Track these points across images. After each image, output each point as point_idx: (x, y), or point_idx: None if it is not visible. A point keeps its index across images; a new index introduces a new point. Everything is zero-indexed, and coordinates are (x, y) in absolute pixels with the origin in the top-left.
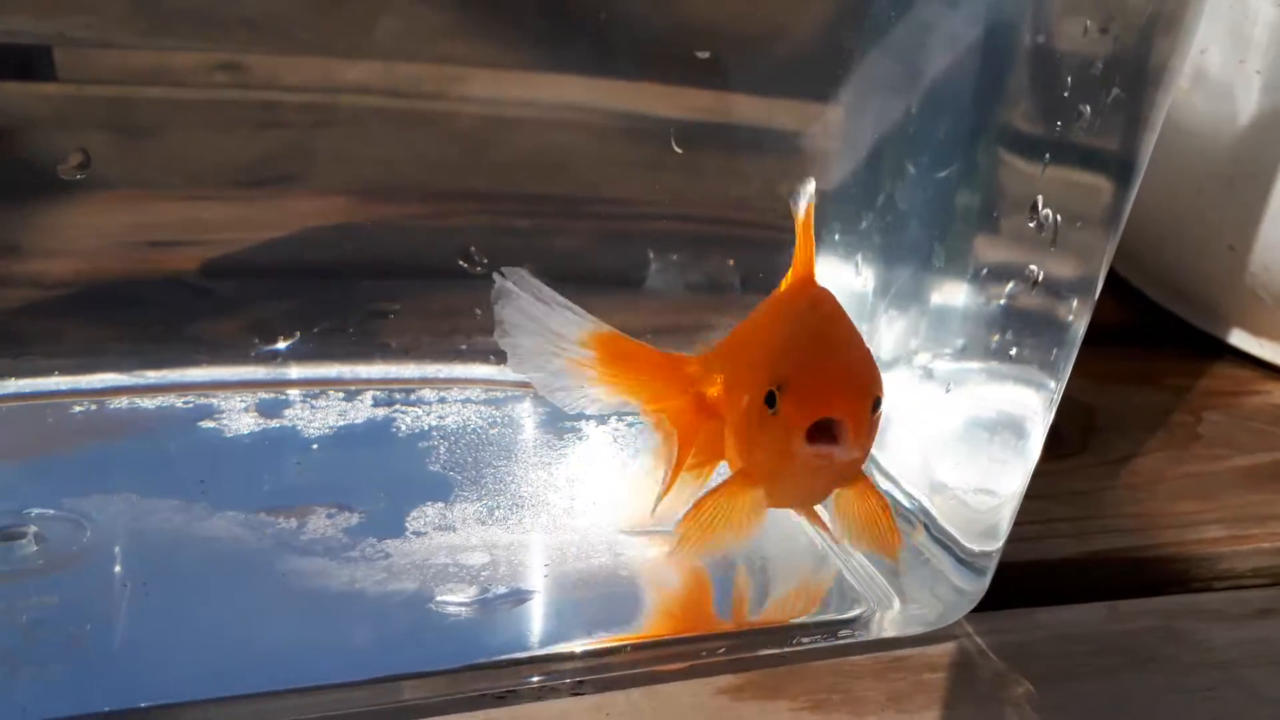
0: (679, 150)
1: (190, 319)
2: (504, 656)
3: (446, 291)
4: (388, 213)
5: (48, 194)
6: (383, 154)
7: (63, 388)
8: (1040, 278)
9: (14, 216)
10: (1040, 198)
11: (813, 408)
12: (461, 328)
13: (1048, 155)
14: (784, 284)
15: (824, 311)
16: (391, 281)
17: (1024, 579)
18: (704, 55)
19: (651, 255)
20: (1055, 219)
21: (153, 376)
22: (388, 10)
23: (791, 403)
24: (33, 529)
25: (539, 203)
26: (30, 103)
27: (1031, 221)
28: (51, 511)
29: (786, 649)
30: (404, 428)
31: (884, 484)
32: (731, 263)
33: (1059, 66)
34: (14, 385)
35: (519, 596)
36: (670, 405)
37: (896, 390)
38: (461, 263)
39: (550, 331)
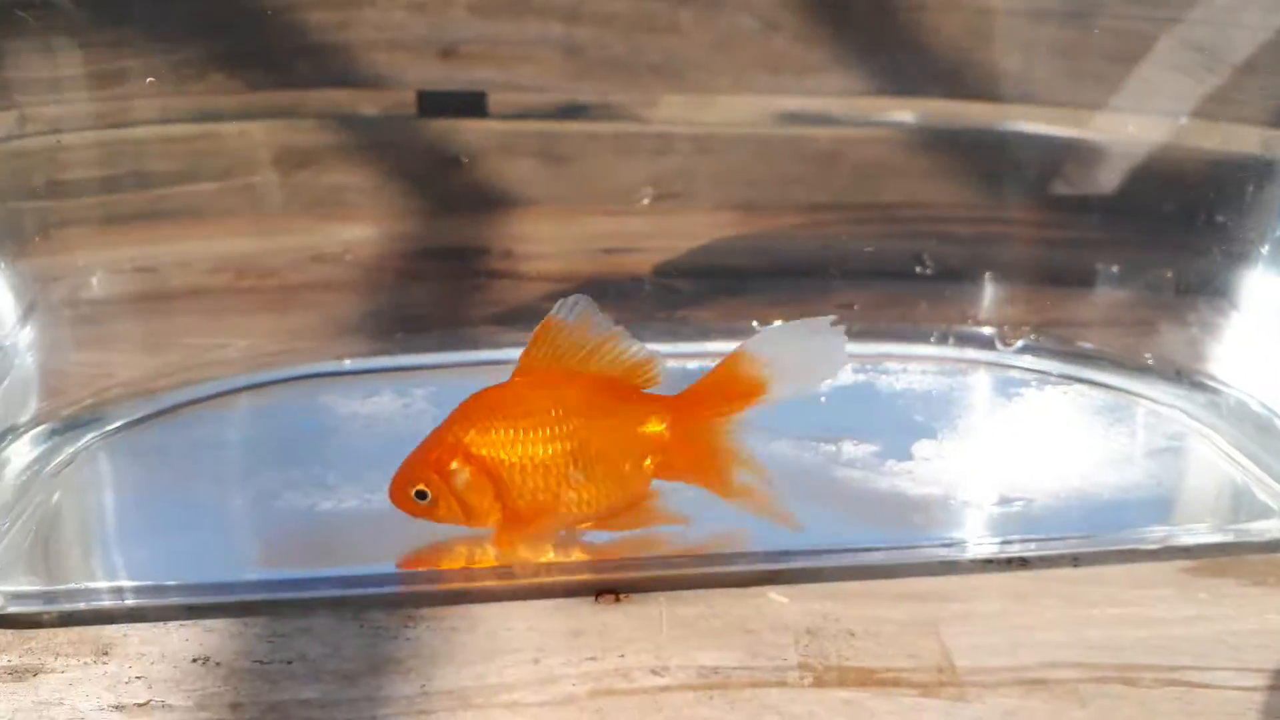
0: None
1: (677, 307)
2: (1015, 537)
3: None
4: (769, 224)
5: (502, 208)
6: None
7: None
8: None
9: (488, 226)
10: None
11: None
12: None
13: None
14: None
15: None
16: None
17: None
18: None
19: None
20: None
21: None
22: (761, 48)
23: None
24: None
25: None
26: (478, 136)
27: None
28: None
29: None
30: (882, 388)
31: None
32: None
33: None
34: None
35: (1007, 501)
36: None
37: None
38: (916, 268)
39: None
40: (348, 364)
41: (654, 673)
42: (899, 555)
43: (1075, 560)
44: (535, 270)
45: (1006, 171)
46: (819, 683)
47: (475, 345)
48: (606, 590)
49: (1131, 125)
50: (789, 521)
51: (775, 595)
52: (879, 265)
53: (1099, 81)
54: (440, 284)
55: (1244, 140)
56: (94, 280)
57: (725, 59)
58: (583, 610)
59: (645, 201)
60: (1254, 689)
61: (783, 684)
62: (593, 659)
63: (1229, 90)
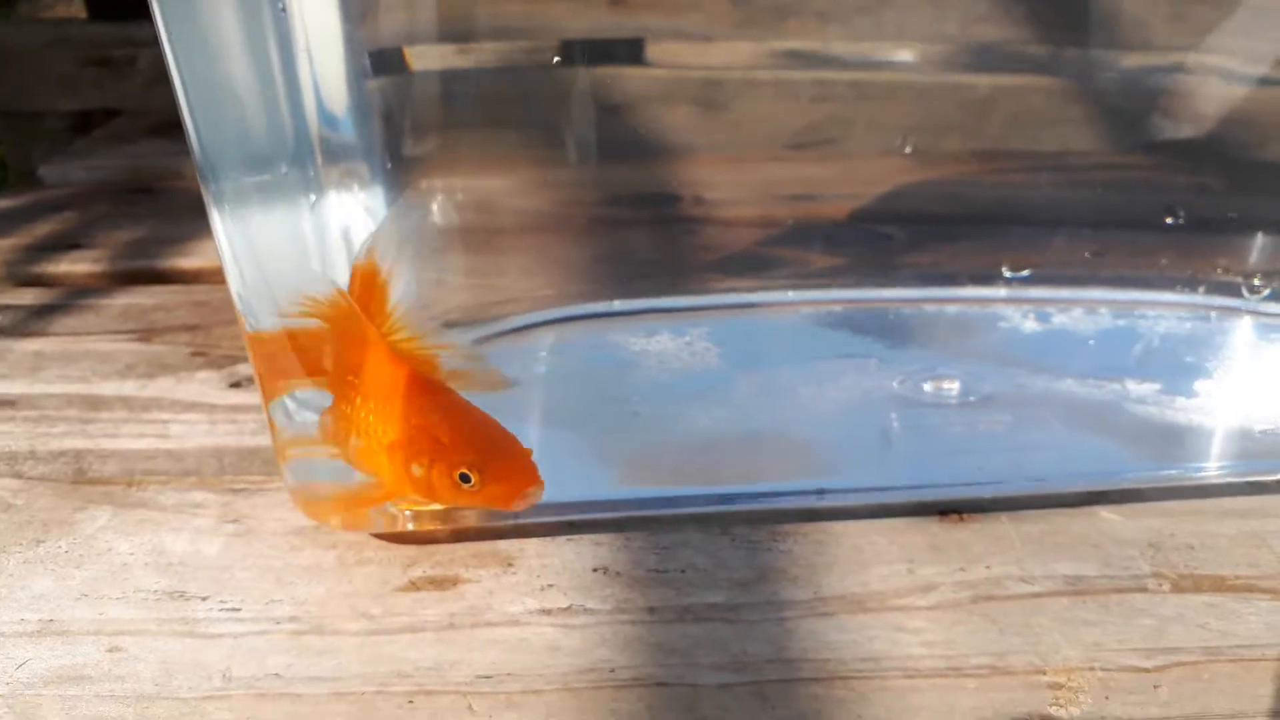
0: None
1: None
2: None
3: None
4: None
5: (664, 156)
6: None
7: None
8: None
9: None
10: None
11: None
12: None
13: None
14: None
15: None
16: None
17: None
18: None
19: None
20: None
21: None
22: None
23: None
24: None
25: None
26: (641, 84)
27: None
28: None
29: None
30: (1143, 332)
31: None
32: None
33: None
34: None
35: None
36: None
37: None
38: (1168, 219)
39: None
40: (617, 305)
41: (1023, 580)
42: (1212, 477)
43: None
44: (735, 215)
45: None
46: (1177, 589)
47: (705, 290)
48: (950, 510)
49: None
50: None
51: (1106, 514)
52: (1118, 215)
53: None
54: (647, 230)
55: None
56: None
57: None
58: (933, 528)
59: (907, 150)
60: None
61: (1143, 590)
62: (961, 569)
63: None
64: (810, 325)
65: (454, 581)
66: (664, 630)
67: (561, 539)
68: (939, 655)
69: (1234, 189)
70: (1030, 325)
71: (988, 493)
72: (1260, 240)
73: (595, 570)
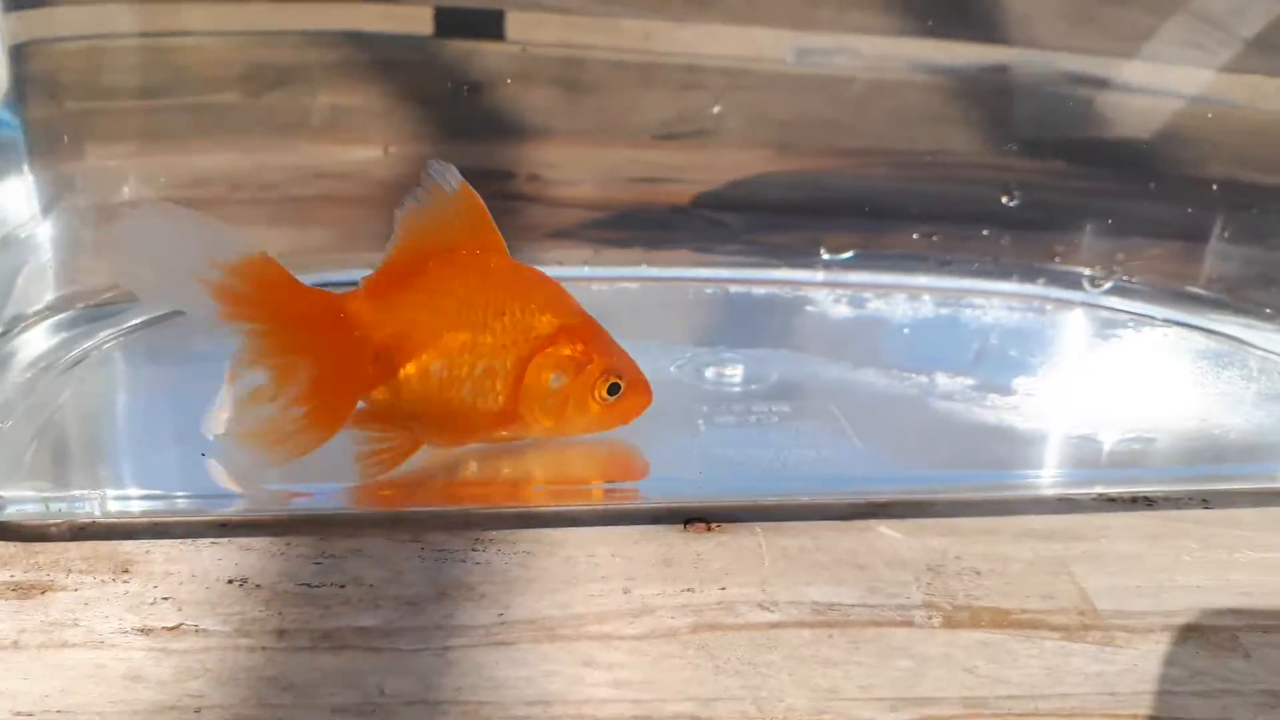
0: None
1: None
2: (1141, 475)
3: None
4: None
5: (518, 137)
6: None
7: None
8: None
9: (510, 152)
10: None
11: None
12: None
13: None
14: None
15: None
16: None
17: None
18: None
19: None
20: None
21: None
22: None
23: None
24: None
25: None
26: (496, 60)
27: None
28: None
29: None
30: (968, 322)
31: None
32: None
33: None
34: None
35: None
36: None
37: None
38: (1004, 198)
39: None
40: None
41: (761, 607)
42: (1016, 490)
43: (1205, 501)
44: (569, 195)
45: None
46: (949, 623)
47: None
48: (696, 518)
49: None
50: None
51: (885, 529)
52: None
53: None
54: None
55: None
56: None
57: None
58: (671, 538)
59: (715, 109)
60: None
61: (909, 624)
62: (690, 590)
63: None
64: (598, 303)
65: (44, 588)
66: (288, 660)
67: (205, 541)
68: (628, 699)
69: (1076, 178)
70: (841, 310)
71: (744, 498)
72: (1096, 230)
73: (231, 582)
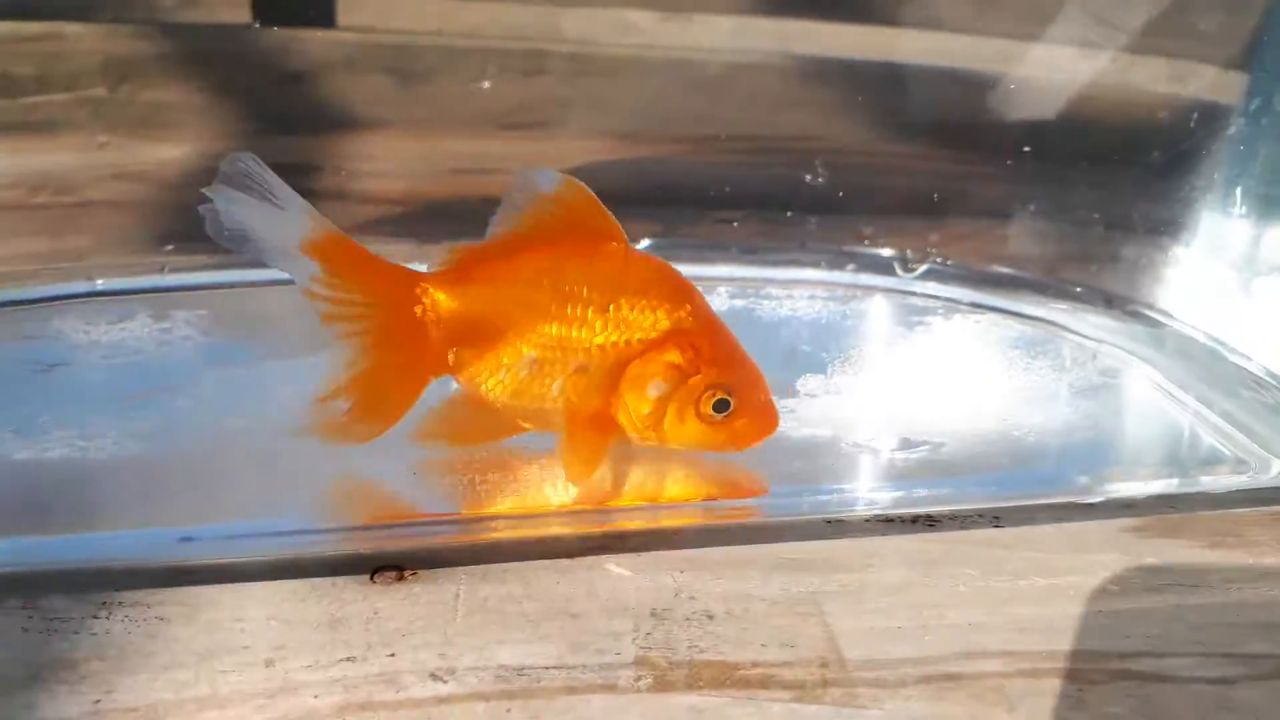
0: None
1: None
2: (924, 492)
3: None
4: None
5: (346, 128)
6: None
7: None
8: None
9: (329, 146)
10: None
11: None
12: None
13: None
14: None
15: None
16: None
17: None
18: None
19: None
20: None
21: None
22: None
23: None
24: None
25: None
26: (323, 49)
27: None
28: None
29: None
30: (762, 315)
31: None
32: None
33: None
34: None
35: (910, 445)
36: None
37: None
38: (807, 176)
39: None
40: (100, 284)
41: (434, 677)
42: (774, 513)
43: (996, 519)
44: (375, 190)
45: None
46: (660, 685)
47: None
48: (388, 566)
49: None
50: None
51: (614, 567)
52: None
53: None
54: None
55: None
56: None
57: None
58: (350, 592)
59: (485, 85)
60: (1223, 681)
61: (611, 688)
62: (350, 660)
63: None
64: None
65: None
66: None
67: None
68: None
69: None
70: None
71: (438, 540)
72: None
73: None
